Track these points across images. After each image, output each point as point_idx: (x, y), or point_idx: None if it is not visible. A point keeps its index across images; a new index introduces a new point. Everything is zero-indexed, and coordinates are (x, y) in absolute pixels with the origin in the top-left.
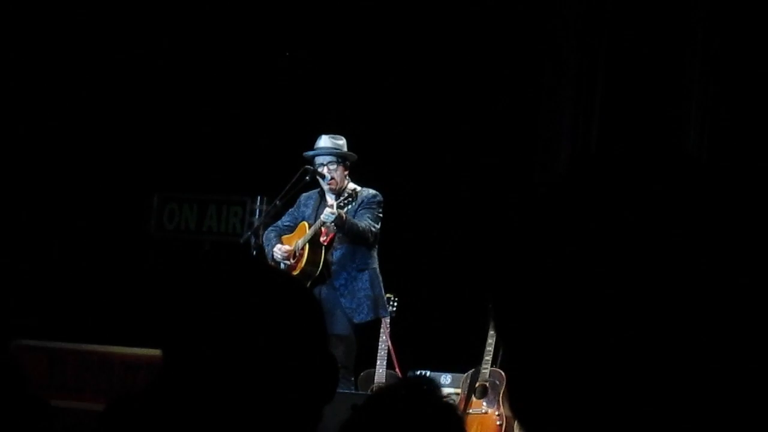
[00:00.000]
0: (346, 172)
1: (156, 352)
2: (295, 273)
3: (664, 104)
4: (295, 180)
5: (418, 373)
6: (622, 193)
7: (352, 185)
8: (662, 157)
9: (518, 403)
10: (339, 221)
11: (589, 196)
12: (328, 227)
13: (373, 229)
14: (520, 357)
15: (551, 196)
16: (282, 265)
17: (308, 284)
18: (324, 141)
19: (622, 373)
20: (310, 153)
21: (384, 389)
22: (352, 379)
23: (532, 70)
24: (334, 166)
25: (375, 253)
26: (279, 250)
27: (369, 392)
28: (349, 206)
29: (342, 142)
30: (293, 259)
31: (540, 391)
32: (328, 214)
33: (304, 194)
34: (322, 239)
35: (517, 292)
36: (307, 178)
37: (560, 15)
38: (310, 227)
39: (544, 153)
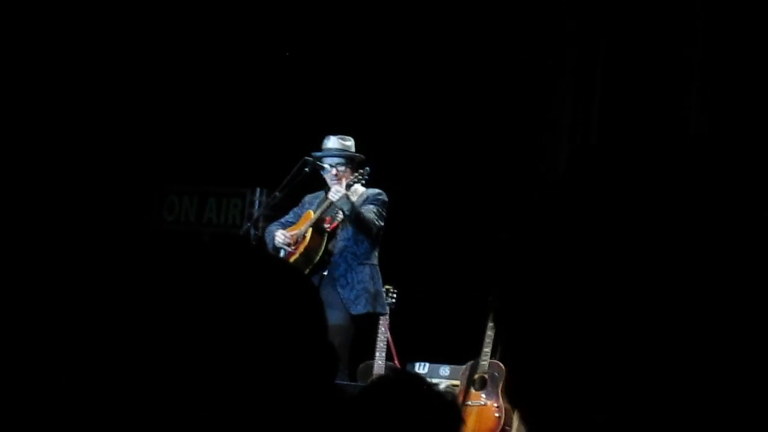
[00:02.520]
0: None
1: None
2: (294, 257)
3: (663, 97)
4: (294, 171)
5: (416, 365)
6: (623, 188)
7: (360, 187)
8: (664, 149)
9: (518, 395)
10: (345, 200)
11: (591, 191)
12: (335, 206)
13: (377, 222)
14: (521, 349)
15: (555, 193)
16: (282, 252)
17: (307, 270)
18: (332, 142)
19: (623, 367)
20: (318, 154)
21: (377, 381)
22: (347, 370)
23: (533, 67)
24: (343, 168)
25: (376, 251)
26: (282, 235)
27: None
28: (358, 183)
29: (350, 143)
30: (294, 244)
31: (540, 385)
32: (335, 191)
33: (309, 195)
34: (326, 226)
35: (521, 287)
36: (307, 169)
37: (560, 10)
38: (314, 214)
39: (545, 146)
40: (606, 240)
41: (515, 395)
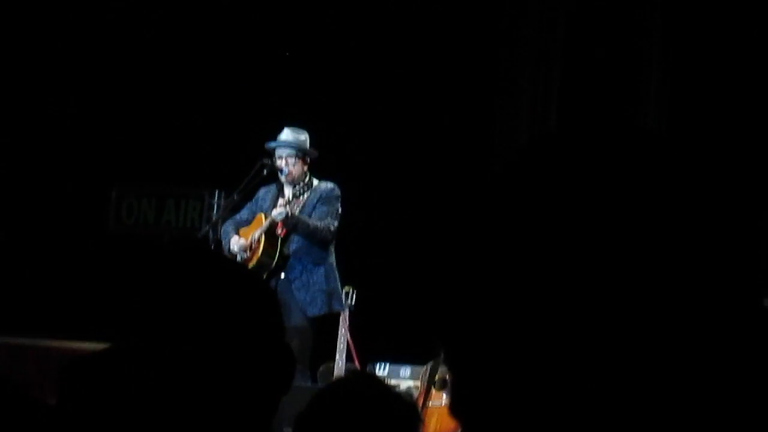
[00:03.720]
0: (306, 167)
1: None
2: (251, 264)
3: (623, 81)
4: (253, 174)
5: (377, 366)
6: (578, 178)
7: (314, 180)
8: (621, 137)
9: (461, 404)
10: (287, 219)
11: (544, 180)
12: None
13: (332, 227)
14: (467, 357)
15: (505, 182)
16: (239, 257)
17: (264, 276)
18: (286, 134)
19: (575, 372)
20: (272, 144)
21: (339, 381)
22: (308, 372)
23: (490, 54)
24: (293, 160)
25: (332, 248)
26: (236, 243)
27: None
28: (305, 195)
29: (304, 137)
30: (249, 251)
31: (485, 393)
32: (278, 212)
33: (262, 188)
34: (278, 231)
35: (466, 285)
36: (265, 171)
37: None
38: (266, 218)
39: (502, 139)
40: (559, 232)
41: (458, 406)
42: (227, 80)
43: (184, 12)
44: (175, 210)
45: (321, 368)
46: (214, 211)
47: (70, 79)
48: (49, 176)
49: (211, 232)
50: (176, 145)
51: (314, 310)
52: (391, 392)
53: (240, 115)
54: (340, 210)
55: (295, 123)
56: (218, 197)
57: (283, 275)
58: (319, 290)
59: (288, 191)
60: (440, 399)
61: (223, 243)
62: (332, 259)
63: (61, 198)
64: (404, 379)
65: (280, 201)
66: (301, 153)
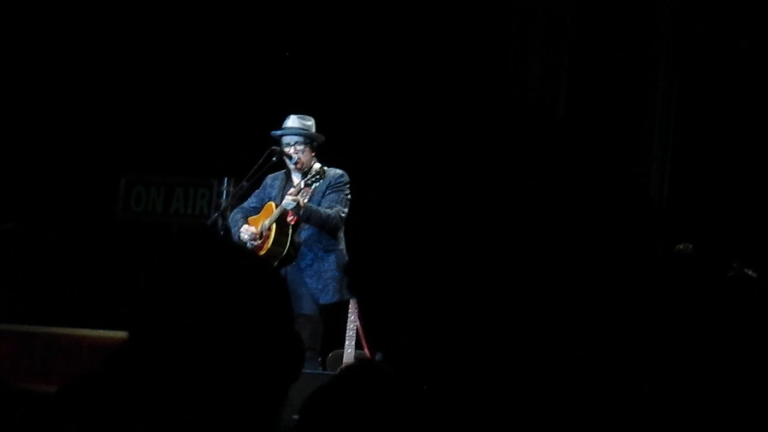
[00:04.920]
0: (314, 153)
1: (124, 334)
2: (261, 253)
3: (631, 61)
4: (261, 161)
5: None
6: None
7: (318, 165)
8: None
9: None
10: (298, 210)
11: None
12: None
13: (342, 214)
14: None
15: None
16: (249, 246)
17: (275, 264)
18: (292, 121)
19: None
20: (278, 132)
21: (348, 370)
22: (319, 359)
23: (499, 49)
24: (301, 147)
25: (342, 234)
26: (245, 231)
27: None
28: (316, 184)
29: (311, 123)
30: (260, 239)
31: None
32: (288, 201)
33: (270, 175)
34: (289, 219)
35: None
36: (274, 159)
37: None
38: (276, 207)
39: (510, 119)
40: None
41: None
42: (235, 69)
43: (191, 3)
44: (184, 198)
45: (330, 355)
46: (223, 199)
47: (80, 69)
48: (58, 165)
49: (219, 220)
50: (184, 134)
51: (326, 298)
52: (398, 383)
53: (248, 103)
54: (349, 196)
55: (303, 110)
56: (227, 185)
57: (294, 263)
58: (330, 278)
59: (296, 179)
60: None
61: (232, 231)
62: (343, 245)
63: (70, 187)
64: None
65: (291, 190)
66: (308, 139)
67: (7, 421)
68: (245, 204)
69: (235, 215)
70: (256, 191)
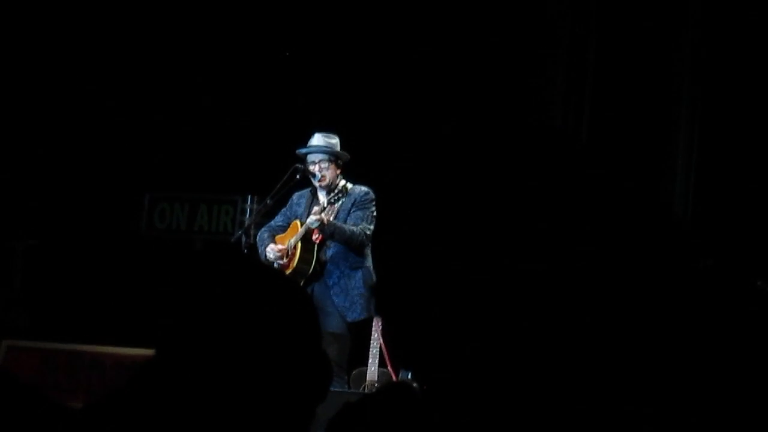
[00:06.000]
0: (339, 171)
1: (148, 351)
2: (288, 272)
3: (654, 71)
4: (286, 179)
5: (410, 372)
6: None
7: (343, 182)
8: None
9: None
10: (322, 227)
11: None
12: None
13: (368, 232)
14: None
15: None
16: (275, 265)
17: (301, 282)
18: (317, 139)
19: None
20: (303, 150)
21: (375, 392)
22: (346, 377)
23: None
24: (326, 165)
25: (368, 251)
26: (272, 250)
27: (361, 391)
28: (339, 203)
29: (335, 141)
30: (286, 258)
31: None
32: (312, 220)
33: (296, 193)
34: (314, 237)
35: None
36: (298, 176)
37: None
38: (302, 225)
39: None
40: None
41: None
42: (260, 86)
43: (216, 18)
44: (208, 215)
45: (353, 373)
46: (247, 216)
47: (104, 86)
48: (82, 182)
49: (243, 237)
50: (209, 151)
51: (354, 315)
52: (425, 405)
53: (273, 120)
54: (375, 213)
55: (328, 129)
56: (251, 202)
57: (321, 280)
58: (357, 294)
59: (322, 197)
60: None
61: (259, 250)
62: (369, 262)
63: (94, 203)
64: None
65: (315, 209)
66: (333, 157)
67: None
68: (272, 222)
69: (262, 234)
70: (283, 209)
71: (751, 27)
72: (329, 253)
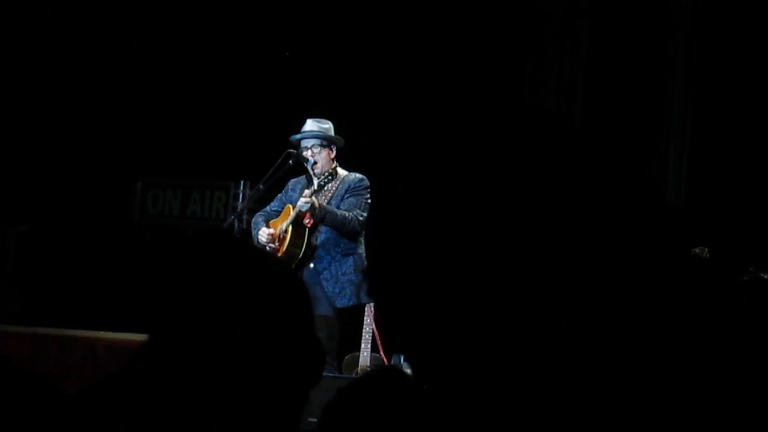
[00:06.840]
0: (333, 156)
1: (141, 337)
2: (279, 255)
3: (647, 59)
4: (278, 164)
5: (402, 357)
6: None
7: (340, 170)
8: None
9: None
10: (313, 210)
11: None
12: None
13: (360, 218)
14: None
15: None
16: (267, 248)
17: (292, 266)
18: (309, 125)
19: None
20: (296, 137)
21: (370, 373)
22: (335, 363)
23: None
24: (318, 150)
25: (362, 239)
26: (263, 233)
27: (353, 376)
28: (333, 189)
29: (328, 125)
30: (277, 241)
31: None
32: (302, 203)
33: (292, 179)
34: (306, 221)
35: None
36: (291, 162)
37: None
38: (293, 209)
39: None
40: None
41: None
42: (252, 71)
43: (208, 6)
44: (200, 201)
45: (346, 359)
46: (240, 202)
47: (97, 72)
48: (75, 168)
49: (236, 223)
50: (201, 137)
51: (343, 301)
52: (417, 389)
53: (265, 106)
54: (369, 201)
55: (321, 114)
56: (243, 187)
57: (311, 265)
58: (347, 281)
59: (316, 182)
60: None
61: (252, 234)
62: (362, 250)
63: (86, 189)
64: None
65: (306, 192)
66: (325, 142)
67: (36, 421)
68: (267, 208)
69: (256, 219)
70: (279, 195)
71: (744, 10)
72: (320, 238)
